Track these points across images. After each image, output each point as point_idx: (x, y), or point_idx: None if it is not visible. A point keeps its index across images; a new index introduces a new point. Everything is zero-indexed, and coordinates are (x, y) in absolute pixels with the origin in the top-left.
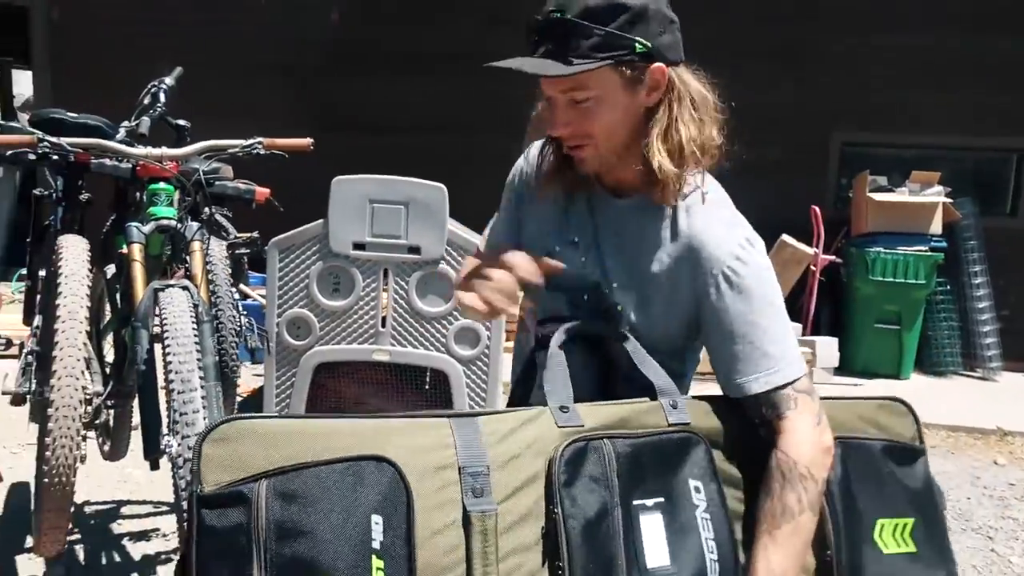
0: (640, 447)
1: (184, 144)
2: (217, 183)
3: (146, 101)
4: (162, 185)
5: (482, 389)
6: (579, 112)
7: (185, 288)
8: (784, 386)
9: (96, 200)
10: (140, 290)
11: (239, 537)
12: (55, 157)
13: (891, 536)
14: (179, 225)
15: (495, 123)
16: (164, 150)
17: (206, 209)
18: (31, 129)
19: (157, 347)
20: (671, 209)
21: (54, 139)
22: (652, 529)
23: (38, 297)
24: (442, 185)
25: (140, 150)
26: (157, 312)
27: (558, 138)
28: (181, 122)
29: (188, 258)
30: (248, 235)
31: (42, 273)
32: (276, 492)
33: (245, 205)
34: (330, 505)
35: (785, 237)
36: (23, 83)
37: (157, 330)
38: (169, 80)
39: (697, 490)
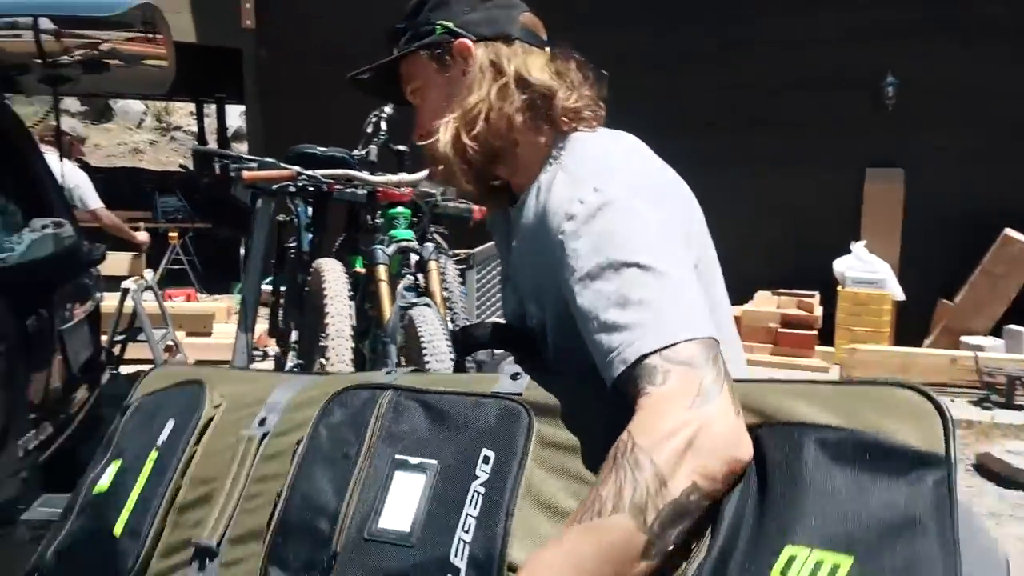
0: (431, 403)
1: (404, 168)
2: (439, 204)
3: (369, 130)
4: (400, 209)
5: None
6: (419, 109)
7: (429, 306)
8: (646, 356)
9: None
10: (388, 308)
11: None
12: (311, 188)
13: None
14: (418, 246)
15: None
16: (402, 176)
17: (431, 229)
18: (284, 165)
19: None
20: (533, 191)
21: (310, 172)
22: (405, 489)
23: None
24: None
25: (381, 177)
26: (403, 328)
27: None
28: (401, 148)
29: (425, 277)
30: (466, 251)
31: (283, 289)
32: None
33: (463, 224)
34: (151, 410)
35: (1009, 231)
36: (232, 116)
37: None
38: (388, 109)
39: (486, 460)
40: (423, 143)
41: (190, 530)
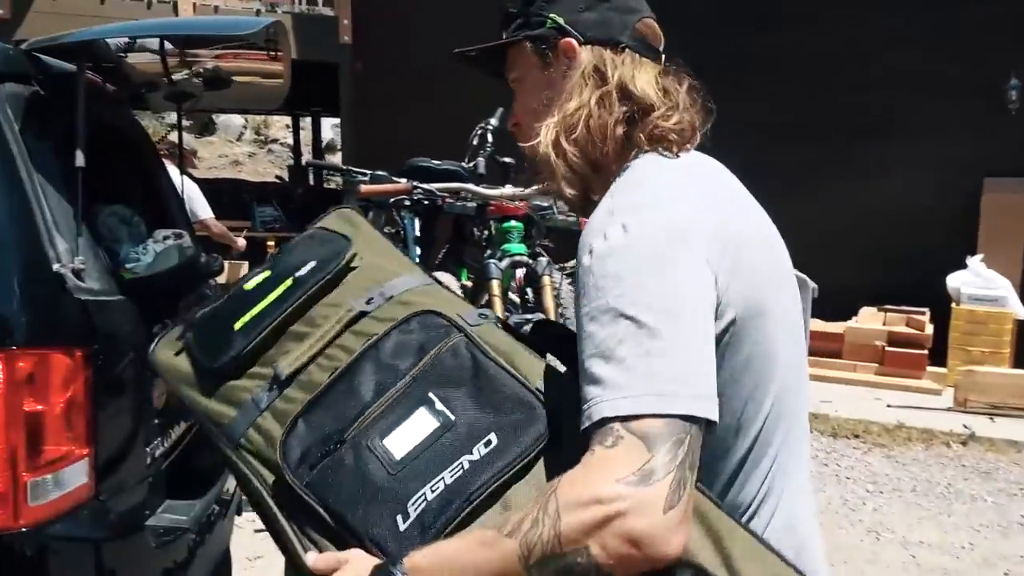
0: (482, 365)
1: (510, 180)
2: (550, 217)
3: (475, 142)
4: (514, 223)
5: None
6: (515, 98)
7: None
8: (607, 420)
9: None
10: None
11: None
12: (426, 202)
13: None
14: (531, 261)
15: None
16: (517, 190)
17: (540, 243)
18: (396, 178)
19: None
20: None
21: (425, 185)
22: (419, 424)
23: None
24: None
25: (496, 191)
26: None
27: None
28: (507, 160)
29: (538, 292)
30: (572, 264)
31: None
32: (309, 231)
33: (571, 237)
34: (310, 243)
35: None
36: (326, 128)
37: None
38: (494, 121)
39: (487, 444)
40: (524, 146)
41: (281, 356)
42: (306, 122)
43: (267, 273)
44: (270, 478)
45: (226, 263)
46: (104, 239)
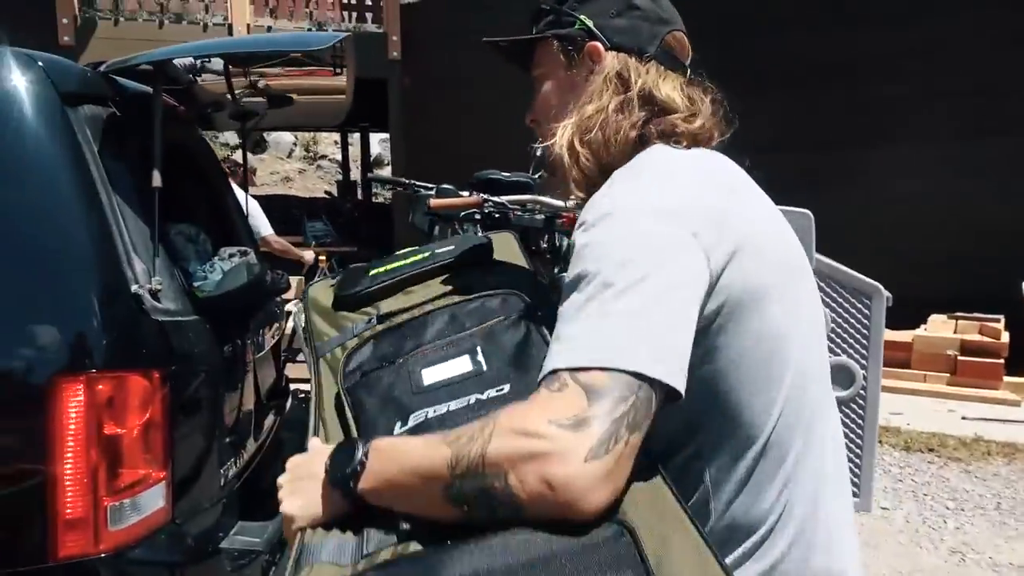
0: (533, 339)
1: None
2: None
3: (538, 152)
4: None
5: (857, 431)
6: (535, 93)
7: None
8: (558, 370)
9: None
10: None
11: None
12: (496, 215)
13: None
14: None
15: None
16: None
17: None
18: (462, 192)
19: None
20: None
21: (496, 198)
22: (462, 364)
23: None
24: (808, 211)
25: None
26: None
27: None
28: None
29: None
30: None
31: None
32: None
33: None
34: (448, 241)
35: None
36: (374, 143)
37: None
38: None
39: (499, 390)
40: (543, 146)
41: (387, 302)
42: (354, 138)
43: (423, 252)
44: (332, 389)
45: (292, 279)
46: (172, 257)
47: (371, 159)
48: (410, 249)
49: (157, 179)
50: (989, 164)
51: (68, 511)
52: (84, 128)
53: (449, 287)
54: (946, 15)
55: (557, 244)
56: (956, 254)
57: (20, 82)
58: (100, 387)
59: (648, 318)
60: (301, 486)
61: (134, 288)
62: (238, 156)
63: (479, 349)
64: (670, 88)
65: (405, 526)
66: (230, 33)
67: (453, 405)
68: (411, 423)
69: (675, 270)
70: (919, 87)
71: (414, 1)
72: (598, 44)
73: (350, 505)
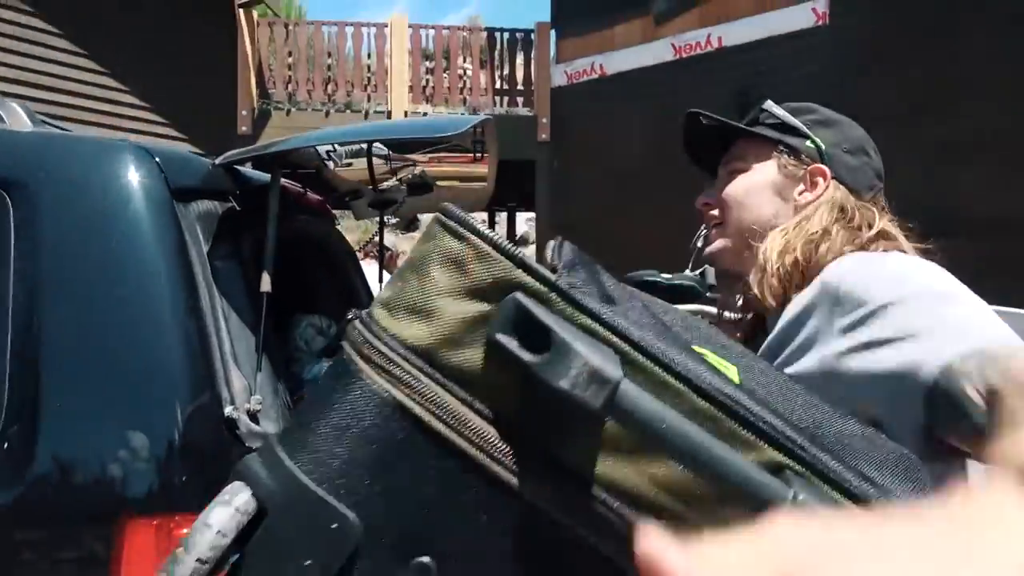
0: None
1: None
2: None
3: (699, 244)
4: None
5: None
6: (723, 183)
7: None
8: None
9: None
10: None
11: None
12: None
13: None
14: None
15: None
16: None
17: None
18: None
19: None
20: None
21: None
22: None
23: None
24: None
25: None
26: None
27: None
28: None
29: None
30: None
31: None
32: None
33: None
34: None
35: None
36: (520, 223)
37: None
38: None
39: None
40: (711, 234)
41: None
42: (500, 216)
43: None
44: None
45: None
46: (300, 352)
47: (516, 238)
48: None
49: (267, 283)
50: None
51: None
52: (195, 226)
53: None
54: None
55: None
56: None
57: (134, 178)
58: (176, 532)
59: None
60: None
61: (228, 411)
62: (391, 240)
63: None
64: (887, 224)
65: None
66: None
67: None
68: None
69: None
70: None
71: (565, 85)
72: (826, 169)
73: None
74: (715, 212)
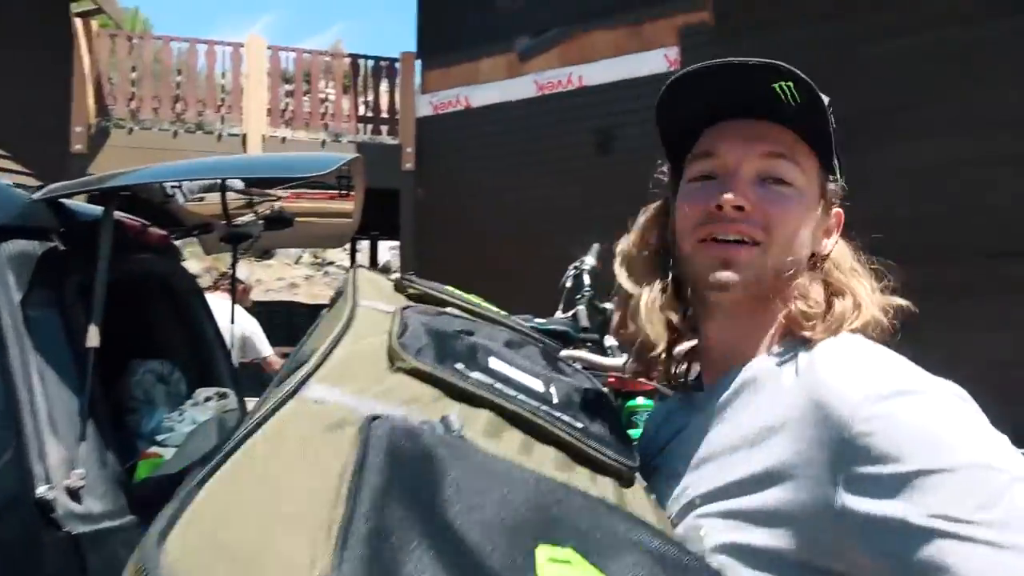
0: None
1: (610, 332)
2: None
3: (568, 284)
4: (641, 401)
5: None
6: (770, 194)
7: None
8: None
9: None
10: None
11: None
12: None
13: None
14: None
15: None
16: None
17: None
18: None
19: None
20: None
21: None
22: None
23: None
24: None
25: (618, 360)
26: None
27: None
28: (608, 306)
29: None
30: None
31: None
32: None
33: None
34: None
35: None
36: (383, 251)
37: None
38: (590, 259)
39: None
40: (736, 250)
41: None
42: (363, 244)
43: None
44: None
45: None
46: (137, 402)
47: (379, 267)
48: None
49: (94, 336)
50: None
51: None
52: (5, 270)
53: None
54: None
55: None
56: None
57: None
58: None
59: None
60: None
61: (41, 491)
62: (246, 272)
63: (552, 383)
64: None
65: None
66: (243, 144)
67: (521, 397)
68: (474, 376)
69: None
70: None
71: (430, 115)
72: (842, 214)
73: None
74: (751, 226)
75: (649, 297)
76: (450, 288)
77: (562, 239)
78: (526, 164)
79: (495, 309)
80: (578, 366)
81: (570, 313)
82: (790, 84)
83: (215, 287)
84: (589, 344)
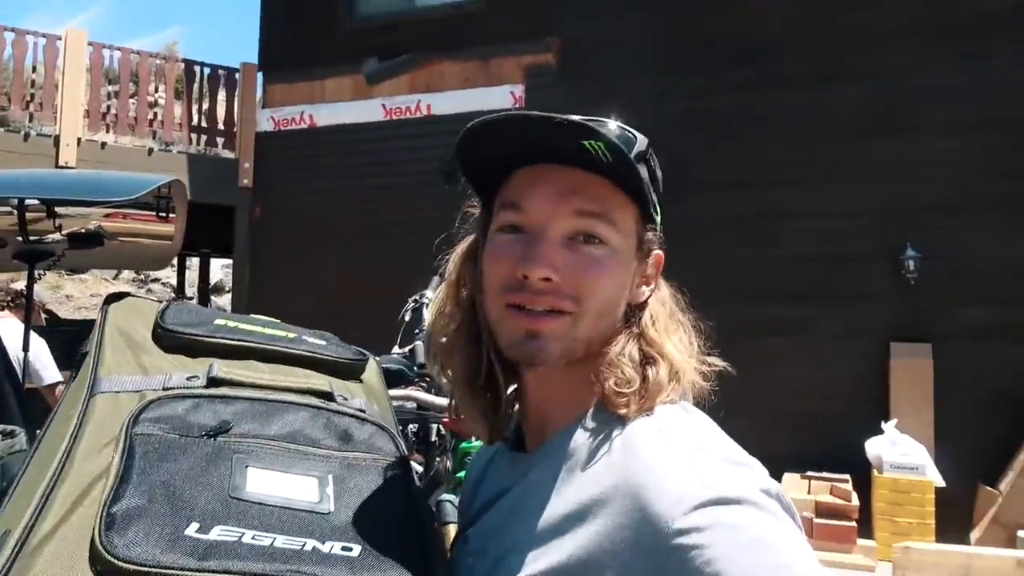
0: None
1: None
2: None
3: (407, 317)
4: (476, 442)
5: None
6: (580, 258)
7: None
8: None
9: None
10: None
11: None
12: None
13: None
14: None
15: None
16: None
17: None
18: None
19: None
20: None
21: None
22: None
23: None
24: None
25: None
26: None
27: (514, 299)
28: None
29: None
30: None
31: None
32: None
33: None
34: None
35: None
36: (215, 269)
37: None
38: (430, 293)
39: None
40: (544, 320)
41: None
42: (192, 261)
43: (290, 331)
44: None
45: None
46: None
47: (210, 285)
48: (272, 320)
49: None
50: (831, 329)
51: None
52: None
53: (309, 385)
54: None
55: (439, 453)
56: (805, 414)
57: None
58: None
59: None
60: None
61: None
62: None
63: (331, 479)
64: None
65: None
66: (56, 146)
67: (280, 541)
68: (214, 536)
69: None
70: (766, 255)
71: (271, 131)
72: (662, 257)
73: None
74: (558, 298)
75: (462, 375)
76: (232, 321)
77: (405, 268)
78: (372, 188)
79: (289, 335)
80: (411, 405)
81: (407, 348)
82: (600, 144)
83: (9, 305)
84: (425, 382)
